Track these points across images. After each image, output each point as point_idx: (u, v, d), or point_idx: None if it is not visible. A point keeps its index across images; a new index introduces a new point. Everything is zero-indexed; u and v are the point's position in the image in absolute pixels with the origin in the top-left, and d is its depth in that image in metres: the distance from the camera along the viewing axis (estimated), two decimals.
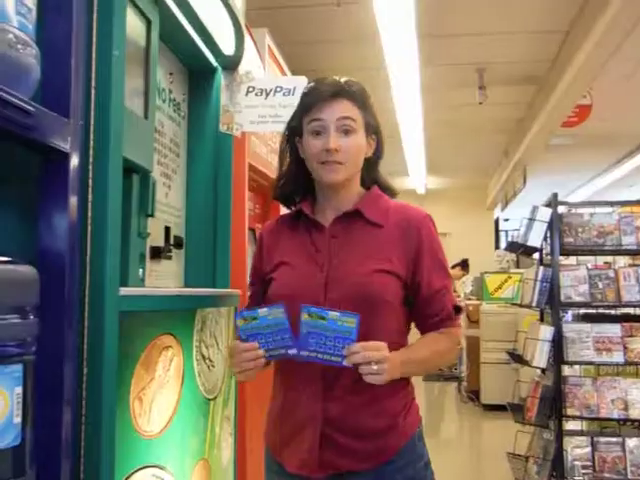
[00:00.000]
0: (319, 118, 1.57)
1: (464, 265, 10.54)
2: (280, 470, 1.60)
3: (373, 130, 1.65)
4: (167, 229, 2.00)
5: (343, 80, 1.62)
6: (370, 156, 1.66)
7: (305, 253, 1.60)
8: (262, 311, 1.45)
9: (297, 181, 1.69)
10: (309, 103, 1.60)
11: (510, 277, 7.42)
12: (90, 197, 1.22)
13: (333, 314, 1.42)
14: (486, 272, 7.87)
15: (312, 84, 1.65)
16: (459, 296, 9.59)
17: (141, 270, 1.71)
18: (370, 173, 1.70)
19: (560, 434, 3.70)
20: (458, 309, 1.66)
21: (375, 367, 1.42)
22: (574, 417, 3.75)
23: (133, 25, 1.54)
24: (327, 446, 1.53)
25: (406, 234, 1.59)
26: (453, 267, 10.78)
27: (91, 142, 1.22)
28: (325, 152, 1.56)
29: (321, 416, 1.52)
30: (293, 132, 1.66)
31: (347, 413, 1.53)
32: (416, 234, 1.59)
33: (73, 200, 1.11)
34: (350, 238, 1.60)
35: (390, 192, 1.72)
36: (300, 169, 1.66)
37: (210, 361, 1.75)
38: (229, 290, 2.04)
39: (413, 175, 11.07)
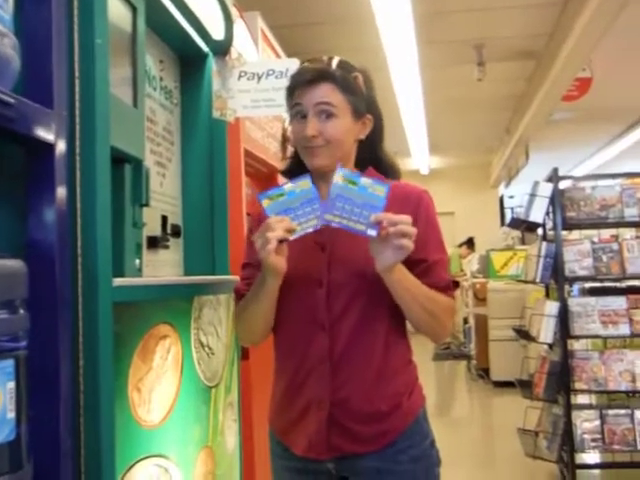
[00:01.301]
0: (298, 103, 1.57)
1: (470, 244, 10.54)
2: (286, 454, 1.61)
3: (365, 111, 1.62)
4: (164, 218, 1.99)
5: (332, 61, 1.59)
6: (365, 138, 1.64)
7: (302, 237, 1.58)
8: (288, 186, 1.42)
9: (299, 162, 1.66)
10: (290, 87, 1.60)
11: (516, 254, 7.41)
12: (78, 188, 1.21)
13: (365, 180, 1.41)
14: (492, 249, 7.86)
15: (298, 67, 1.65)
16: (465, 274, 9.59)
17: (138, 260, 1.70)
18: (371, 154, 1.67)
19: (569, 408, 3.70)
20: (455, 283, 1.66)
21: (404, 241, 1.39)
22: (582, 391, 3.76)
23: (117, 13, 1.52)
24: (334, 429, 1.53)
25: (404, 206, 1.56)
26: (459, 246, 10.80)
27: (77, 132, 1.21)
28: (305, 138, 1.55)
29: (328, 398, 1.52)
30: (290, 114, 1.66)
31: (353, 395, 1.53)
32: (414, 207, 1.58)
33: (60, 191, 1.10)
34: None
35: (394, 172, 1.70)
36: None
37: (209, 349, 1.75)
38: (226, 277, 2.03)
39: (415, 155, 11.05)
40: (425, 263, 1.57)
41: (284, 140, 1.73)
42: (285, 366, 1.62)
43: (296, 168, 1.67)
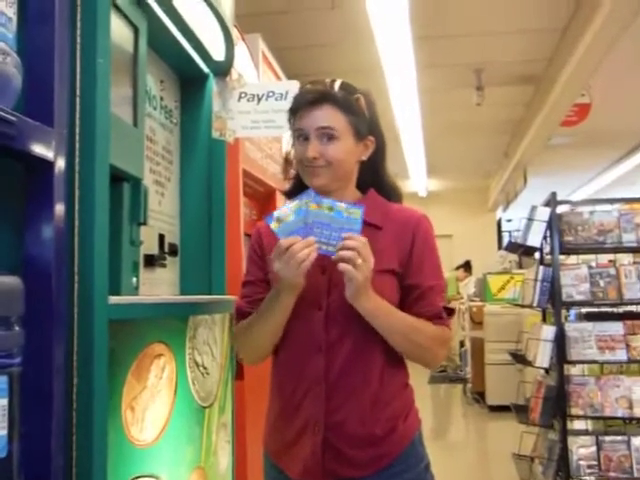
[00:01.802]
0: (300, 127, 1.58)
1: (467, 267, 10.54)
2: (280, 476, 1.59)
3: (367, 133, 1.62)
4: (161, 237, 2.00)
5: (335, 83, 1.60)
6: (367, 159, 1.64)
7: None
8: (294, 205, 1.43)
9: (302, 182, 1.66)
10: (293, 109, 1.61)
11: (513, 277, 7.40)
12: (77, 205, 1.21)
13: (340, 204, 1.43)
14: (489, 273, 7.86)
15: (300, 88, 1.66)
16: (462, 297, 9.58)
17: (135, 279, 1.70)
18: (373, 176, 1.68)
19: (565, 434, 3.68)
20: (450, 311, 1.64)
21: (359, 261, 1.40)
22: (578, 416, 3.73)
23: (119, 33, 1.53)
24: (329, 453, 1.52)
25: (402, 233, 1.59)
26: (457, 269, 10.80)
27: (76, 150, 1.22)
28: (307, 159, 1.56)
29: (323, 421, 1.52)
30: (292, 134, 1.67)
31: (349, 418, 1.52)
32: (411, 233, 1.59)
33: (59, 209, 1.10)
34: None
35: (396, 195, 1.70)
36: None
37: (204, 368, 1.75)
38: (222, 297, 2.03)
39: (414, 178, 11.07)
40: (419, 289, 1.57)
41: (286, 162, 1.74)
42: (281, 387, 1.61)
43: (298, 189, 1.66)
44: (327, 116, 1.56)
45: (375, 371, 1.55)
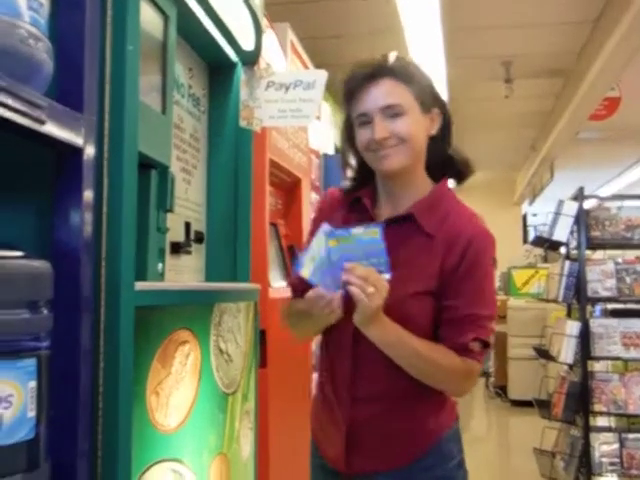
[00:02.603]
0: (362, 112, 1.47)
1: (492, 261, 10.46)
2: (322, 463, 1.62)
3: (432, 104, 1.51)
4: (187, 224, 2.00)
5: (381, 57, 1.50)
6: (435, 134, 1.53)
7: None
8: (356, 231, 1.36)
9: (360, 172, 1.60)
10: (348, 92, 1.50)
11: (537, 272, 7.36)
12: (105, 192, 1.22)
13: (356, 231, 1.36)
14: (513, 267, 7.81)
15: (351, 70, 1.54)
16: None
17: (160, 265, 1.71)
18: (442, 154, 1.56)
19: (587, 430, 3.66)
20: (485, 344, 1.47)
21: (371, 290, 1.31)
22: (601, 413, 3.71)
23: (150, 20, 1.54)
24: (353, 448, 1.51)
25: (451, 248, 1.46)
26: None
27: (105, 137, 1.22)
28: (374, 142, 1.45)
29: (349, 417, 1.51)
30: (349, 124, 1.56)
31: (376, 415, 1.50)
32: (460, 250, 1.45)
33: (87, 195, 1.11)
34: (398, 247, 1.44)
35: (468, 170, 1.61)
36: (361, 161, 1.58)
37: (228, 355, 1.75)
38: (247, 285, 2.03)
39: None
40: (451, 313, 1.45)
41: (345, 163, 1.65)
42: (323, 375, 1.63)
43: (364, 181, 1.60)
44: (389, 92, 1.45)
45: (402, 377, 1.46)
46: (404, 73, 1.46)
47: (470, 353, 1.45)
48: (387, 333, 1.41)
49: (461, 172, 1.61)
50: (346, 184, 1.65)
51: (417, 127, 1.47)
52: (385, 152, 1.45)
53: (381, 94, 1.45)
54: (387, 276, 1.35)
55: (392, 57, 1.49)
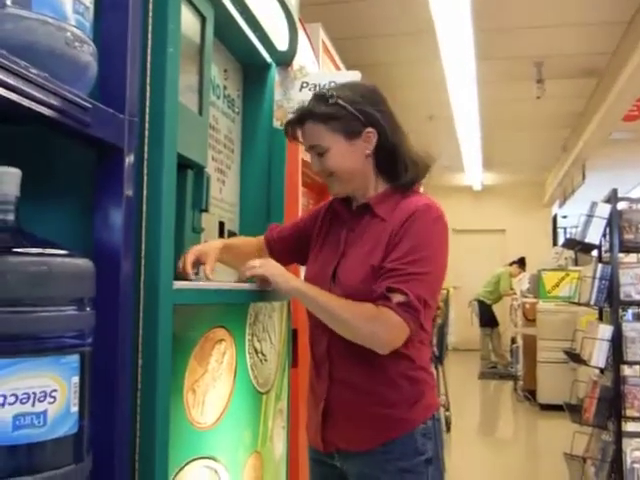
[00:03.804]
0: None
1: (521, 263, 10.38)
2: (311, 454, 1.78)
3: (360, 128, 1.62)
4: (221, 224, 2.02)
5: (311, 97, 1.69)
6: (370, 152, 1.65)
7: (331, 244, 1.72)
8: None
9: None
10: (291, 134, 1.74)
11: (568, 275, 7.27)
12: (145, 192, 1.24)
13: None
14: (543, 269, 7.74)
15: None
16: (515, 293, 9.45)
17: None
18: (382, 166, 1.68)
19: (619, 435, 3.61)
20: (408, 299, 1.50)
21: (256, 263, 1.61)
22: (634, 418, 3.66)
23: (188, 22, 1.56)
24: (328, 425, 1.65)
25: (398, 224, 1.59)
26: (510, 264, 10.65)
27: (146, 138, 1.24)
28: (316, 173, 1.72)
29: (325, 395, 1.64)
30: None
31: (347, 395, 1.62)
32: (401, 222, 1.58)
33: (128, 195, 1.13)
34: (361, 232, 1.66)
35: (422, 170, 1.70)
36: None
37: (262, 355, 1.77)
38: None
39: (469, 171, 10.96)
40: (381, 270, 1.56)
41: None
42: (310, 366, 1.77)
43: None
44: (310, 134, 1.65)
45: (377, 357, 1.56)
46: (322, 113, 1.61)
47: (386, 301, 1.51)
48: (297, 286, 1.61)
49: (413, 178, 1.69)
50: None
51: (343, 158, 1.63)
52: (328, 182, 1.69)
53: (306, 137, 1.67)
54: None
55: (312, 98, 1.67)
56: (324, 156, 1.63)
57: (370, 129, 1.63)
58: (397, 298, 1.51)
